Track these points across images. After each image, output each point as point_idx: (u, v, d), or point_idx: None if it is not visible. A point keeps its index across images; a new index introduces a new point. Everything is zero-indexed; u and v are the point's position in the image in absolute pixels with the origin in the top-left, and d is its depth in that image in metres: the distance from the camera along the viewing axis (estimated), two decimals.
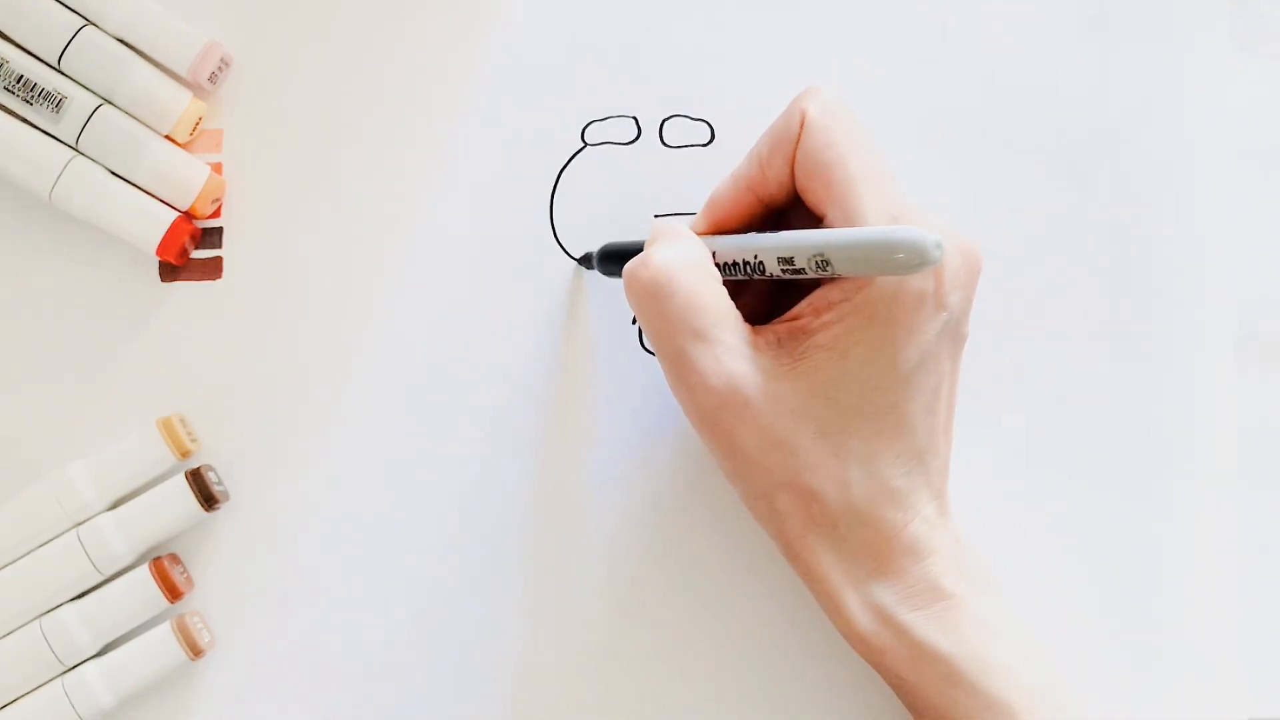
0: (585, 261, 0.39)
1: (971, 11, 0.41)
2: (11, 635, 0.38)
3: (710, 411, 0.33)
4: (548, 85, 0.40)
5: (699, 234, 0.35)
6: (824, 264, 0.31)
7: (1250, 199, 0.41)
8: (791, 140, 0.33)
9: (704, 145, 0.40)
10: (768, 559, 0.39)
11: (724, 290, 0.33)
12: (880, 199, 0.32)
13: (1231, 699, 0.39)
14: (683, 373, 0.33)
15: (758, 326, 0.34)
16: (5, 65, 0.38)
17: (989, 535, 0.39)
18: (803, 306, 0.34)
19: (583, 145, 0.40)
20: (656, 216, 0.40)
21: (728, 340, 0.33)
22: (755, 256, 0.33)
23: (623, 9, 0.40)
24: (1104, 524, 0.39)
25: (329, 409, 0.39)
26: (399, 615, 0.39)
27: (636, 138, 0.40)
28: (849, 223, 0.32)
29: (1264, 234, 0.41)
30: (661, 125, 0.40)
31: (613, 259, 0.38)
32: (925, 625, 0.33)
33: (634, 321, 0.40)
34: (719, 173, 0.40)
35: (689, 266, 0.33)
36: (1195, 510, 0.40)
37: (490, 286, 0.40)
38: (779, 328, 0.34)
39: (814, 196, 0.33)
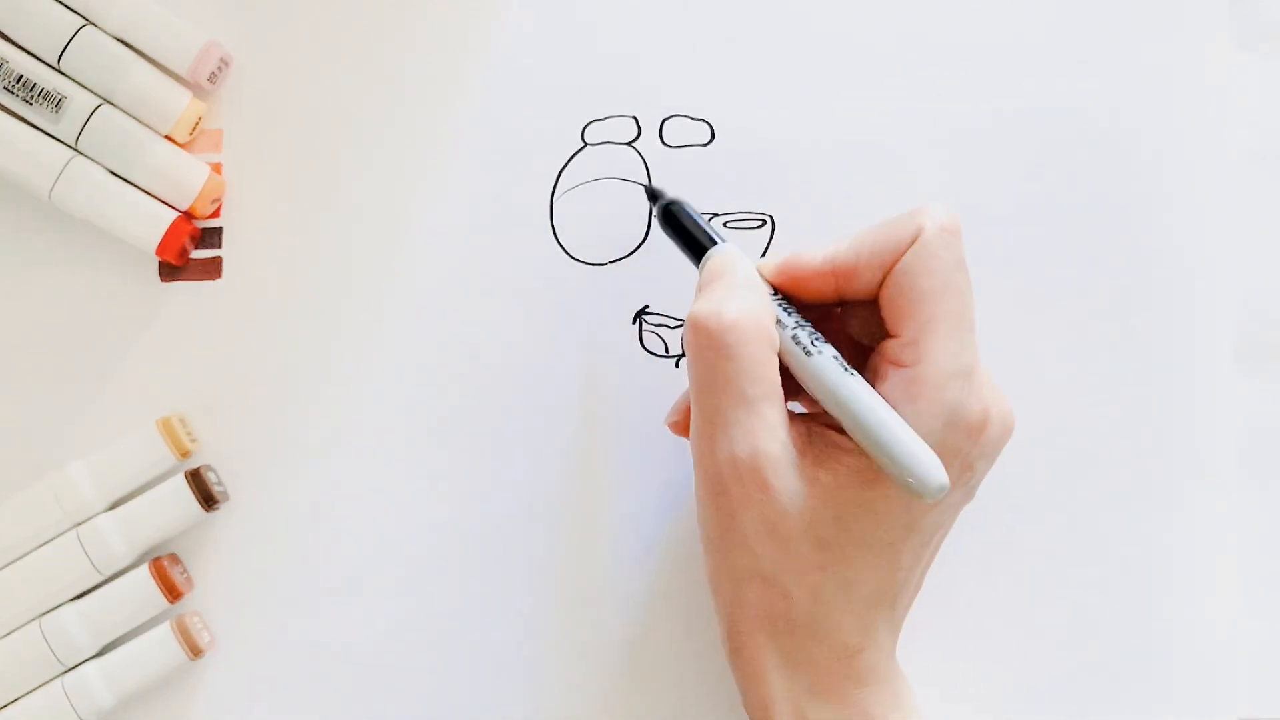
0: (653, 197, 0.37)
1: (971, 11, 0.41)
2: (11, 635, 0.38)
3: (724, 479, 0.32)
4: (548, 85, 0.40)
5: (767, 278, 0.34)
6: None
7: (1250, 199, 0.41)
8: (897, 251, 0.32)
9: (704, 145, 0.40)
10: None
11: (778, 361, 0.32)
12: (955, 353, 0.32)
13: (1230, 699, 0.39)
14: (714, 431, 0.32)
15: (795, 414, 0.33)
16: (5, 65, 0.38)
17: (987, 533, 0.39)
18: None
19: (583, 145, 0.40)
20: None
21: (769, 416, 0.32)
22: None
23: (623, 9, 0.40)
24: (1103, 523, 0.39)
25: (328, 409, 0.39)
26: (398, 615, 0.39)
27: (636, 137, 0.40)
28: (916, 357, 0.32)
29: (1264, 234, 0.41)
30: (661, 125, 0.40)
31: (675, 228, 0.36)
32: None
33: (634, 321, 0.40)
34: (719, 173, 0.40)
35: (759, 330, 0.32)
36: (1195, 510, 0.40)
37: (490, 286, 0.40)
38: (814, 425, 0.33)
39: (893, 312, 0.33)
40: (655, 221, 0.37)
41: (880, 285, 0.33)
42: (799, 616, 0.33)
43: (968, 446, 0.32)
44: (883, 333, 0.33)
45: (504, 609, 0.39)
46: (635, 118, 0.40)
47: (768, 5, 0.41)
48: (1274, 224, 0.41)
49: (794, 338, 0.33)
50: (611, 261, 0.40)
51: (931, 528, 0.33)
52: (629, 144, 0.40)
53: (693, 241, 0.35)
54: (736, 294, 0.32)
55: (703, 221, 0.35)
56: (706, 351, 0.32)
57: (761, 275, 0.34)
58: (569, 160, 0.40)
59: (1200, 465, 0.40)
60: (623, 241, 0.40)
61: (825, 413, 0.33)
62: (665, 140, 0.40)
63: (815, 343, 0.33)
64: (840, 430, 0.33)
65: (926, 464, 0.30)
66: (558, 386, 0.39)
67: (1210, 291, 0.40)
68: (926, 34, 0.41)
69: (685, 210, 0.36)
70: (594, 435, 0.39)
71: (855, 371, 0.32)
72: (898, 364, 0.32)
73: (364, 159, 0.40)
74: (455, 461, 0.39)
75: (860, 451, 0.32)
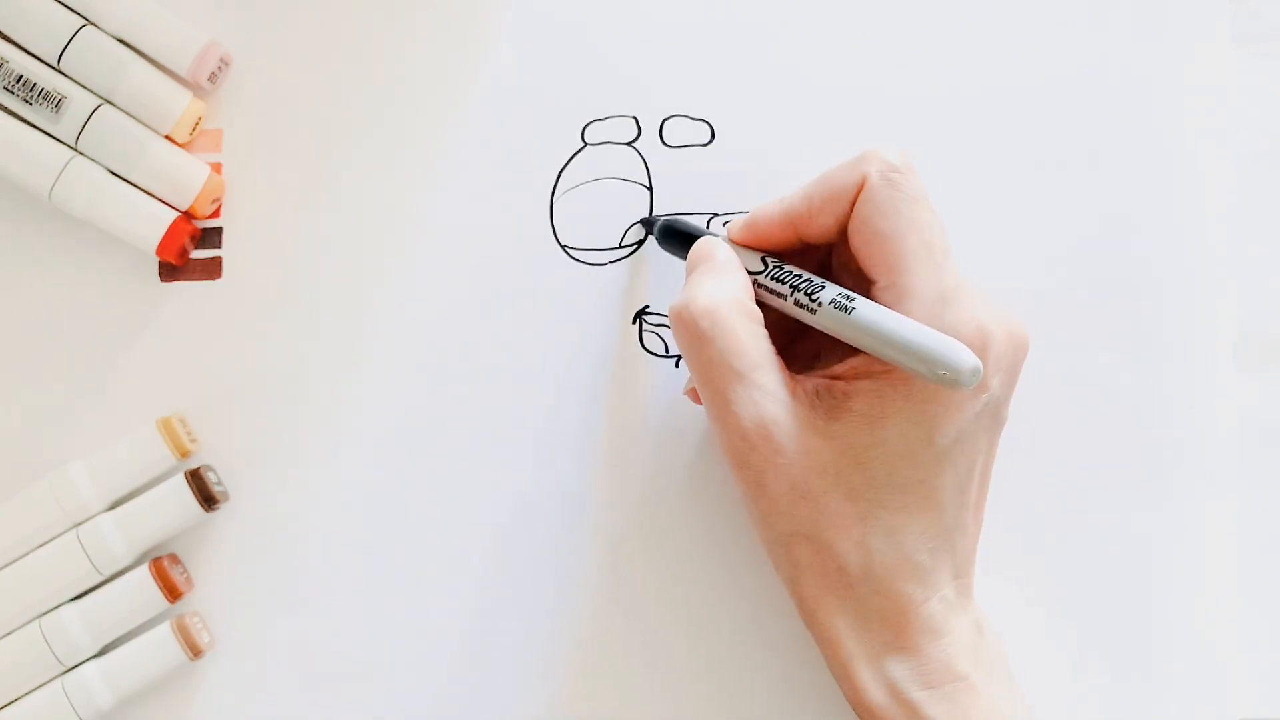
0: (647, 225, 0.40)
1: (971, 11, 0.41)
2: (11, 635, 0.38)
3: (743, 453, 0.33)
4: (548, 85, 0.40)
5: (739, 241, 0.36)
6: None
7: (1250, 199, 0.41)
8: (847, 199, 0.34)
9: (704, 145, 0.40)
10: (763, 561, 0.39)
11: (764, 332, 0.34)
12: (932, 278, 0.33)
13: (1230, 699, 0.39)
14: (721, 412, 0.33)
15: (797, 375, 0.34)
16: (5, 65, 0.38)
17: (985, 532, 0.39)
18: (843, 368, 0.34)
19: (583, 145, 0.40)
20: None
21: (766, 384, 0.33)
22: (796, 309, 0.34)
23: (623, 10, 0.40)
24: (1102, 523, 0.39)
25: (329, 409, 0.39)
26: (398, 615, 0.39)
27: (636, 138, 0.40)
28: (897, 297, 0.33)
29: (1264, 234, 0.41)
30: (661, 125, 0.40)
31: (673, 237, 0.38)
32: (936, 705, 0.33)
33: (634, 321, 0.40)
34: (719, 173, 0.40)
35: (733, 308, 0.33)
36: (1195, 510, 0.40)
37: (490, 286, 0.40)
38: (818, 381, 0.34)
39: (866, 260, 0.34)
40: (657, 243, 0.39)
41: (836, 229, 0.34)
42: (854, 572, 0.33)
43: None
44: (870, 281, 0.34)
45: (503, 608, 0.39)
46: (635, 118, 0.40)
47: (768, 6, 0.41)
48: (1274, 224, 0.41)
49: (796, 302, 0.34)
50: (611, 261, 0.40)
51: (967, 458, 0.34)
52: (629, 144, 0.40)
53: (689, 244, 0.37)
54: (706, 281, 0.34)
55: (692, 225, 0.38)
56: (690, 339, 0.33)
57: (733, 240, 0.36)
58: (569, 160, 0.40)
59: (1200, 465, 0.40)
60: (623, 241, 0.40)
61: (830, 369, 0.34)
62: (665, 140, 0.40)
63: (813, 296, 0.33)
64: (844, 379, 0.33)
65: (952, 348, 0.30)
66: (557, 387, 0.39)
67: (1210, 291, 0.40)
68: (925, 34, 0.41)
69: (678, 221, 0.38)
70: (594, 435, 0.39)
71: (858, 296, 0.33)
72: (884, 306, 0.33)
73: (364, 159, 0.40)
74: (454, 461, 0.39)
75: (863, 395, 0.33)
